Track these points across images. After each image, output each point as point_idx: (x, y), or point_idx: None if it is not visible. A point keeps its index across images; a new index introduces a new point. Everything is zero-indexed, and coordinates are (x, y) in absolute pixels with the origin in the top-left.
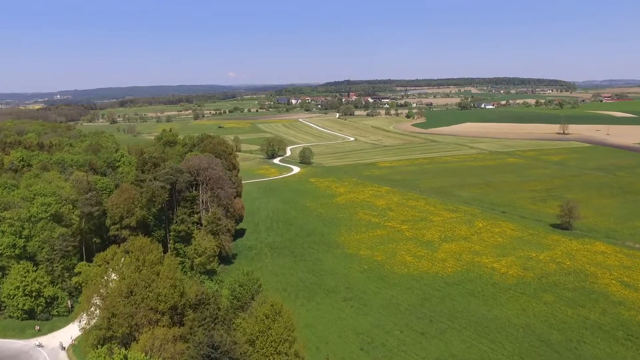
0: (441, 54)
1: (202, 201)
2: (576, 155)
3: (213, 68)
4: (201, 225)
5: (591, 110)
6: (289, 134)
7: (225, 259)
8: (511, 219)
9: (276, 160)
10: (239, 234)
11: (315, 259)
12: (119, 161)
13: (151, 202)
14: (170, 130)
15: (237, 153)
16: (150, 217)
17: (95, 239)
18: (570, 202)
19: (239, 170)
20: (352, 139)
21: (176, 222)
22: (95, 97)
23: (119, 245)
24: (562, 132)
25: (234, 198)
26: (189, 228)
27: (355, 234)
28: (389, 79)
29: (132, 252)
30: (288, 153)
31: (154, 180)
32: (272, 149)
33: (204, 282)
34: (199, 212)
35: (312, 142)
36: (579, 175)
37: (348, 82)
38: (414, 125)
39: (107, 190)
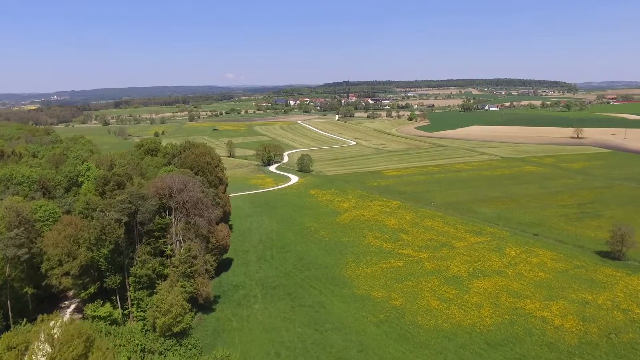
0: (440, 55)
1: (175, 232)
2: (598, 163)
3: (211, 69)
4: (173, 265)
5: (600, 113)
6: (286, 137)
7: (204, 305)
8: (547, 245)
9: (272, 168)
10: (224, 266)
11: (318, 304)
12: (83, 176)
13: (101, 240)
14: (163, 133)
15: (231, 159)
16: (101, 259)
17: (27, 289)
18: (622, 226)
19: (227, 185)
20: (353, 143)
21: (137, 264)
22: (93, 97)
23: (33, 321)
24: (576, 136)
25: (217, 224)
26: (154, 271)
27: (364, 267)
28: (389, 80)
29: (44, 341)
30: (285, 159)
31: (107, 210)
32: (268, 155)
33: (166, 354)
34: (172, 244)
35: (311, 146)
36: (609, 186)
37: (347, 83)
38: (417, 128)
39: (52, 219)
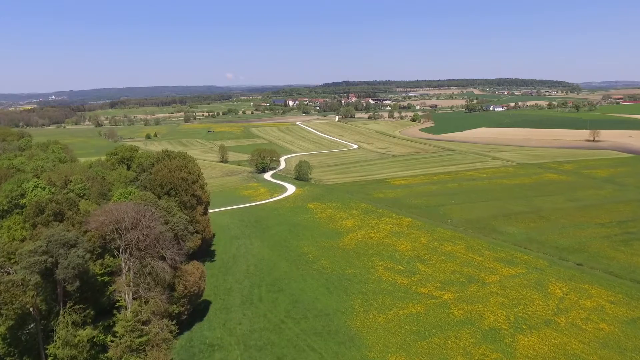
0: (441, 55)
1: (126, 282)
2: (625, 170)
3: (210, 69)
4: (114, 335)
5: (611, 114)
6: (284, 139)
7: None
8: (598, 280)
9: (267, 175)
10: (198, 313)
11: None
12: (25, 198)
13: None
14: (155, 135)
15: (223, 164)
16: None
17: None
18: None
19: (208, 203)
20: (355, 146)
21: (56, 341)
22: (91, 97)
23: None
24: (592, 138)
25: (190, 261)
26: (85, 347)
27: (376, 313)
28: (389, 80)
29: None
30: (282, 165)
31: (11, 264)
32: (263, 161)
33: None
34: (120, 300)
35: (310, 149)
36: None
37: (347, 83)
38: (422, 130)
39: None
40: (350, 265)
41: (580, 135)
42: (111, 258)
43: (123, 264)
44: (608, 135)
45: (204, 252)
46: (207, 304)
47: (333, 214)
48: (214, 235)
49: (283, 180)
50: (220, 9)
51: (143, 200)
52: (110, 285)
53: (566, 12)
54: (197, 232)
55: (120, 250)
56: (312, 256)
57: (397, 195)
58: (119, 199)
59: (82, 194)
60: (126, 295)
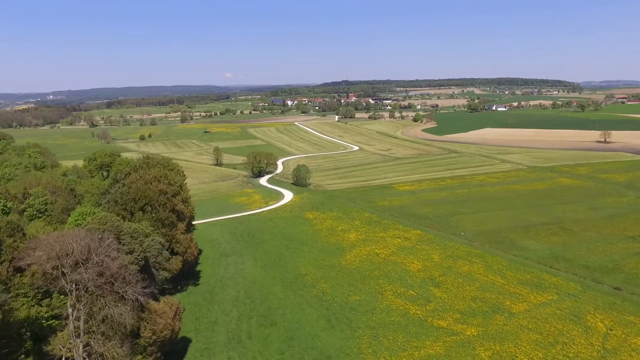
0: (440, 54)
1: (74, 330)
2: None
3: (209, 68)
4: None
5: (617, 113)
6: (282, 141)
7: None
8: None
9: (263, 180)
10: (174, 357)
11: None
12: None
13: None
14: (150, 136)
15: (217, 168)
16: None
17: None
18: None
19: (191, 218)
20: (356, 148)
21: None
22: (90, 97)
23: None
24: (603, 140)
25: (159, 301)
26: None
27: (387, 356)
28: (389, 80)
29: None
30: (280, 168)
31: None
32: (259, 165)
33: None
34: (68, 347)
35: (309, 151)
36: None
37: (346, 82)
38: (424, 130)
39: None
40: (354, 290)
41: (589, 136)
42: (61, 297)
43: (70, 310)
44: (618, 136)
45: (187, 275)
46: (186, 343)
47: (334, 225)
48: (200, 252)
49: (280, 186)
50: (220, 9)
51: (102, 224)
52: (60, 331)
53: (566, 12)
54: (177, 254)
55: (67, 293)
56: (310, 278)
57: (403, 202)
58: (76, 221)
59: (42, 210)
60: (75, 349)
